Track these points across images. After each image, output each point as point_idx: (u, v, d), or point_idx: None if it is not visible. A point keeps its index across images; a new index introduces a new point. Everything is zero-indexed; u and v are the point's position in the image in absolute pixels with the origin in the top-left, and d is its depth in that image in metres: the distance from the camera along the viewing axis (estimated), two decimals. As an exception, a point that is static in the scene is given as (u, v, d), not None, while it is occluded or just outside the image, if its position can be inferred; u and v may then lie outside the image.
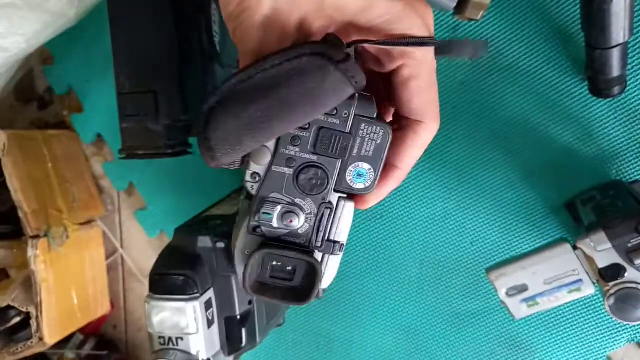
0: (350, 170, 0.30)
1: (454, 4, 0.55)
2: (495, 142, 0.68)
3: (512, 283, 0.60)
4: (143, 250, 0.85)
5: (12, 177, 0.66)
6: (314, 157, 0.30)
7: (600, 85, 0.60)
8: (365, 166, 0.30)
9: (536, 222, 0.68)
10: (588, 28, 0.56)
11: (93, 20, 0.71)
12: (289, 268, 0.31)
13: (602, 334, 0.69)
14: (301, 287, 0.31)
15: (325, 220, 0.31)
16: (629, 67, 0.60)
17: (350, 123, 0.29)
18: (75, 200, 0.76)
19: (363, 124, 0.29)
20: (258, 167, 0.30)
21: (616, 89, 0.60)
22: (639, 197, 0.57)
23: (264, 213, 0.30)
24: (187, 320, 0.50)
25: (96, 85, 0.79)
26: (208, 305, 0.51)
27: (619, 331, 0.68)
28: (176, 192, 0.80)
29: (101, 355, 0.83)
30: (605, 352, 0.69)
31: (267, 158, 0.29)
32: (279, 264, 0.31)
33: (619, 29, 0.54)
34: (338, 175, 0.30)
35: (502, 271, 0.60)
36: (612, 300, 0.54)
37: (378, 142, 0.30)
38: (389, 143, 0.30)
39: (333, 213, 0.31)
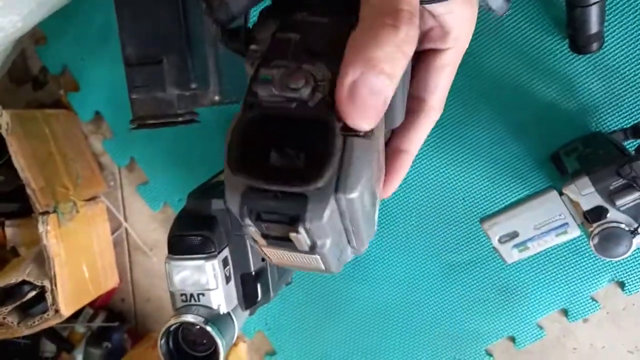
0: None
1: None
2: (483, 100, 0.71)
3: (504, 230, 0.65)
4: (147, 224, 0.87)
5: (17, 156, 0.68)
6: (324, 20, 0.24)
7: (579, 42, 0.64)
8: None
9: (523, 175, 0.73)
10: (568, -14, 0.59)
11: (86, -2, 0.72)
12: (291, 142, 0.21)
13: (586, 275, 0.74)
14: (308, 165, 0.21)
15: None
16: (606, 24, 0.64)
17: None
18: (79, 177, 0.78)
19: None
20: (261, 42, 0.25)
21: (594, 45, 0.64)
22: (619, 145, 0.62)
23: (262, 78, 0.22)
24: (207, 277, 0.53)
25: (91, 62, 0.80)
26: (225, 262, 0.54)
27: (601, 272, 0.74)
28: (177, 165, 0.82)
29: (113, 327, 0.86)
30: (589, 292, 0.75)
31: (271, 29, 0.25)
32: (277, 135, 0.21)
33: (597, -13, 0.58)
34: None
35: (495, 220, 0.65)
36: (596, 240, 0.59)
37: None
38: None
39: None
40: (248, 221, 0.21)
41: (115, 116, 0.81)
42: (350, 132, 0.21)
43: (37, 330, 0.72)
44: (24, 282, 0.70)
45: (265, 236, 0.21)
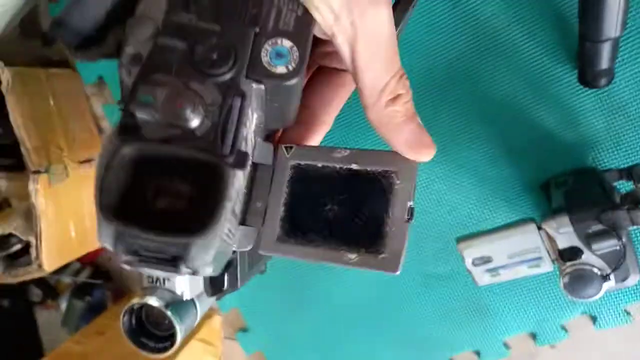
0: (267, 48, 0.22)
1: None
2: (482, 117, 0.70)
3: (478, 254, 0.65)
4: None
5: (15, 113, 0.69)
6: (216, 27, 0.22)
7: (588, 75, 0.62)
8: (286, 43, 0.22)
9: (511, 199, 0.72)
10: (582, 19, 0.57)
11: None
12: (170, 182, 0.20)
13: (559, 304, 0.74)
14: (194, 211, 0.19)
15: (236, 115, 0.21)
16: (619, 60, 0.62)
17: None
18: (75, 138, 0.79)
19: None
20: (139, 44, 0.21)
21: (603, 81, 0.62)
22: (607, 187, 0.60)
23: (141, 96, 0.19)
24: (174, 264, 0.54)
25: (99, 26, 0.80)
26: (195, 252, 0.56)
27: (575, 303, 0.74)
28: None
29: (96, 284, 0.89)
30: (560, 320, 0.75)
31: (149, 29, 0.21)
32: (160, 179, 0.20)
33: (611, 24, 0.55)
34: (251, 54, 0.22)
35: (471, 242, 0.65)
36: (567, 279, 0.59)
37: (299, 14, 0.22)
38: (314, 20, 0.23)
39: (248, 109, 0.21)
40: (123, 257, 0.19)
41: (117, 84, 0.81)
42: (238, 166, 0.20)
43: (20, 280, 0.76)
44: (11, 234, 0.73)
45: (139, 259, 0.19)
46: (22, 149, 0.70)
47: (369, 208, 0.24)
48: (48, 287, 0.93)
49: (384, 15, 0.22)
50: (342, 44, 0.23)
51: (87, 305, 0.89)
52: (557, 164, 0.68)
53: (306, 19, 0.23)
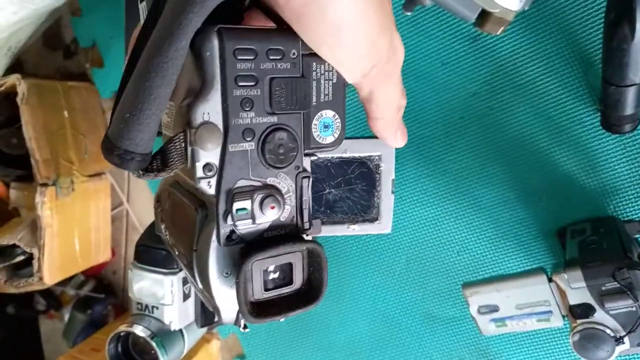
0: (315, 124, 0.25)
1: (475, 16, 0.54)
2: (499, 158, 0.67)
3: (485, 301, 0.62)
4: (147, 206, 0.88)
5: (27, 125, 0.70)
6: (274, 119, 0.23)
7: (611, 120, 0.58)
8: (329, 113, 0.25)
9: (524, 244, 0.68)
10: (606, 62, 0.54)
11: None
12: (285, 269, 0.24)
13: (572, 360, 0.70)
14: (307, 286, 0.25)
15: (306, 192, 0.25)
16: (646, 105, 0.58)
17: (301, 64, 0.24)
18: (87, 152, 0.80)
19: (314, 62, 0.24)
20: (209, 154, 0.22)
21: (627, 127, 0.58)
22: (626, 241, 0.56)
23: (238, 210, 0.22)
24: (163, 291, 0.53)
25: (119, 42, 0.81)
26: (186, 280, 0.54)
27: (588, 361, 0.69)
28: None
29: (98, 298, 0.89)
30: (573, 378, 0.70)
31: (218, 137, 0.22)
32: (271, 268, 0.24)
33: (636, 69, 0.52)
34: (303, 133, 0.24)
35: (477, 289, 0.62)
36: (577, 337, 0.55)
37: (334, 80, 0.25)
38: (345, 81, 0.25)
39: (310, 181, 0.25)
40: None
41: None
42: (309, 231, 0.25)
43: (22, 291, 0.76)
44: (16, 245, 0.73)
45: None
46: (32, 161, 0.71)
47: (360, 186, 0.29)
48: (52, 297, 0.94)
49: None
50: (363, 90, 0.25)
51: (89, 319, 0.88)
52: (575, 211, 0.64)
53: (340, 82, 0.25)
